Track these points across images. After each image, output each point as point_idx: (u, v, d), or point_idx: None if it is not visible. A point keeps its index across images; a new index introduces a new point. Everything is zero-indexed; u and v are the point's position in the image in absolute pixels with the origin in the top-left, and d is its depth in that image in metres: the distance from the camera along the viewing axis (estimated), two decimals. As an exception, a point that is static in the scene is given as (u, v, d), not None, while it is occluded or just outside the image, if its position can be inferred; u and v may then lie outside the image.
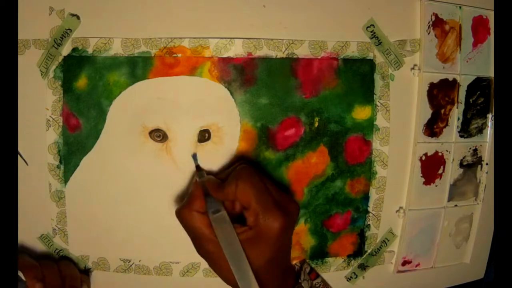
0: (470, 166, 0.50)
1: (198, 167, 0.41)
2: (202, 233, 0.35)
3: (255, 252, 0.35)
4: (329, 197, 0.46)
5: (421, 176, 0.48)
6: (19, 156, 0.41)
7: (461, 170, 0.49)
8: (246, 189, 0.35)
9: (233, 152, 0.44)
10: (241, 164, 0.37)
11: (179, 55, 0.41)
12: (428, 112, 0.47)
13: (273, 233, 0.34)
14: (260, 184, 0.35)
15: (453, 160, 0.49)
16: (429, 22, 0.45)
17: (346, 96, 0.45)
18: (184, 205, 0.36)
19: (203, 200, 0.36)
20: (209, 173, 0.41)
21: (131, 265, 0.45)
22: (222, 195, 0.36)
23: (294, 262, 0.40)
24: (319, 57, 0.44)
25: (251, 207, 0.35)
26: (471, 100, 0.48)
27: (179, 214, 0.36)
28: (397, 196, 0.48)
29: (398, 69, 0.46)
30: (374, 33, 0.45)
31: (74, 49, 0.41)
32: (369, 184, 0.47)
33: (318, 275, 0.40)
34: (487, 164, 0.50)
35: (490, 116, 0.50)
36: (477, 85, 0.48)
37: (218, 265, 0.36)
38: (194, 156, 0.42)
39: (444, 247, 0.51)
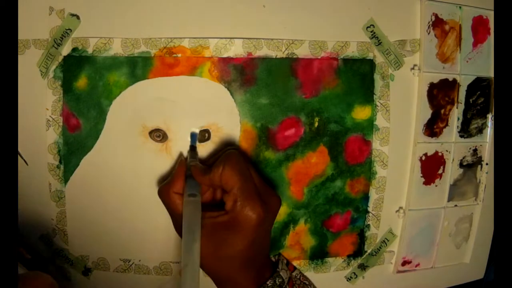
0: (470, 166, 0.50)
1: (192, 148, 0.41)
2: (179, 213, 0.35)
3: (228, 240, 0.34)
4: (329, 197, 0.46)
5: (421, 176, 0.48)
6: (19, 156, 0.41)
7: (461, 170, 0.49)
8: (231, 173, 0.34)
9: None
10: (230, 149, 0.37)
11: (179, 55, 0.41)
12: (428, 112, 0.47)
13: (249, 223, 0.33)
14: (246, 171, 0.35)
15: (453, 160, 0.49)
16: (429, 22, 0.45)
17: (346, 96, 0.45)
18: (165, 185, 0.37)
19: (183, 182, 0.36)
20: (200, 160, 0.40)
21: (131, 265, 0.45)
22: (206, 180, 0.36)
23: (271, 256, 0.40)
24: (319, 57, 0.44)
25: (231, 192, 0.34)
26: (471, 100, 0.48)
27: (160, 193, 0.37)
28: (397, 196, 0.48)
29: (398, 69, 0.46)
30: (374, 33, 0.45)
31: (74, 49, 0.41)
32: (369, 184, 0.47)
33: (295, 268, 0.40)
34: (487, 164, 0.50)
35: (490, 116, 0.50)
36: (477, 85, 0.48)
37: (202, 249, 0.34)
38: (193, 136, 0.42)
39: (444, 247, 0.51)
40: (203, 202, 0.36)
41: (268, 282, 0.36)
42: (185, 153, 0.43)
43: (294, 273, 0.39)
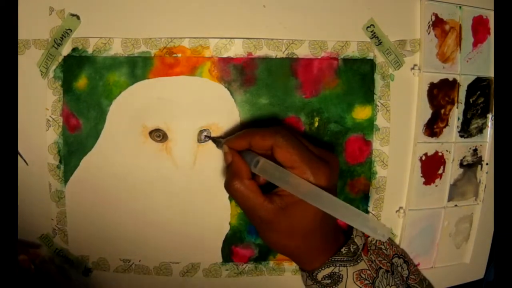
0: (470, 166, 0.50)
1: (213, 139, 0.41)
2: (255, 202, 0.34)
3: (303, 214, 0.34)
4: (329, 197, 0.46)
5: (421, 176, 0.48)
6: (19, 156, 0.41)
7: (461, 170, 0.49)
8: (288, 147, 0.34)
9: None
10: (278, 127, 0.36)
11: (179, 55, 0.41)
12: (428, 112, 0.47)
13: (322, 187, 0.33)
14: (299, 142, 0.35)
15: (453, 160, 0.49)
16: (429, 22, 0.45)
17: (346, 96, 0.45)
18: (233, 177, 0.35)
19: (244, 163, 0.36)
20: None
21: (131, 265, 0.45)
22: (249, 143, 0.35)
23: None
24: (319, 57, 0.44)
25: (296, 167, 0.34)
26: (471, 100, 0.48)
27: (231, 187, 0.35)
28: (397, 196, 0.48)
29: (398, 69, 0.46)
30: (374, 33, 0.45)
31: (74, 49, 0.41)
32: (369, 184, 0.47)
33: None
34: (487, 164, 0.50)
35: (490, 116, 0.50)
36: (477, 85, 0.48)
37: (276, 233, 0.35)
38: (208, 135, 0.42)
39: (444, 247, 0.50)
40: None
41: (342, 250, 0.36)
42: (188, 156, 0.43)
43: (369, 239, 0.39)
